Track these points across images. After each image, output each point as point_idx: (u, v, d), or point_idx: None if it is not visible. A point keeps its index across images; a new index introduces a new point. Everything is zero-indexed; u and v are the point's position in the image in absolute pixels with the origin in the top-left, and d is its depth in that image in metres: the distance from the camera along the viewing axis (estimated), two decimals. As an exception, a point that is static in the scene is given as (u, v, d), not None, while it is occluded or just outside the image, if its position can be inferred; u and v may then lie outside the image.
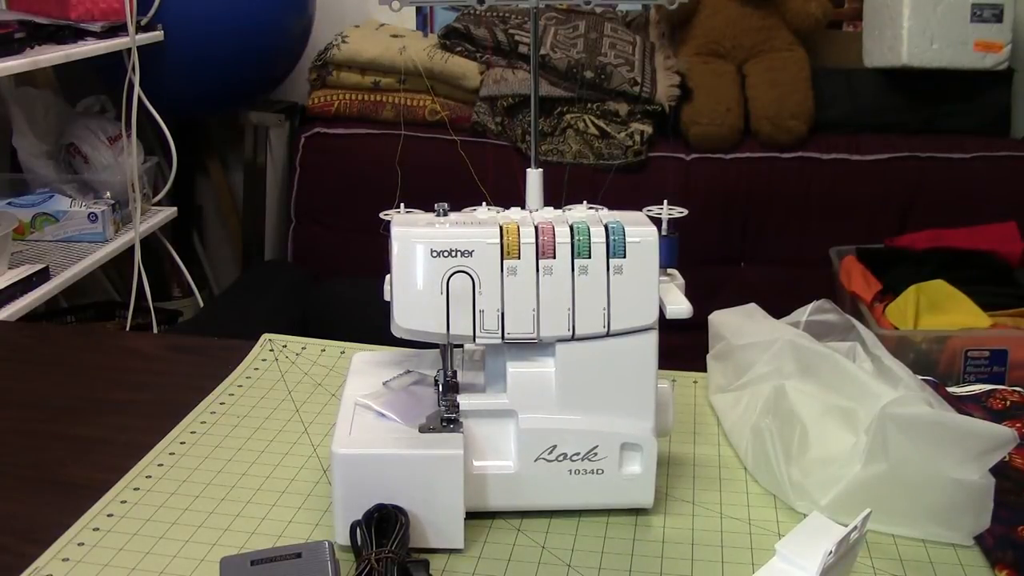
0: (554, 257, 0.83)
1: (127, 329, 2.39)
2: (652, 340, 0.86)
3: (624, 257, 0.84)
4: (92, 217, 2.17)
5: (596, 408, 0.86)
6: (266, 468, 0.99)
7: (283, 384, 1.18)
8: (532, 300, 0.83)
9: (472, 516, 0.86)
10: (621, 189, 2.41)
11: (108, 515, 0.91)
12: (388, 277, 0.85)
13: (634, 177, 2.49)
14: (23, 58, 1.87)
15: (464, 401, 0.87)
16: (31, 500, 0.94)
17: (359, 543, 0.81)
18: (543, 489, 0.87)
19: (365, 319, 1.23)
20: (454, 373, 0.88)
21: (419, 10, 2.85)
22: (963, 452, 0.83)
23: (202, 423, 1.08)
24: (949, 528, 0.87)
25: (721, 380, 1.10)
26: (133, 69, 2.21)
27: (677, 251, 0.94)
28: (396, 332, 0.85)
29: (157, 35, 2.31)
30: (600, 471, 0.87)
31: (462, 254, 0.83)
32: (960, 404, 1.06)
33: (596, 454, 0.86)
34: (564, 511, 0.90)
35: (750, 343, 1.06)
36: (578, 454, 0.86)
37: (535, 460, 0.86)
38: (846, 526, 0.77)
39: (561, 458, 0.86)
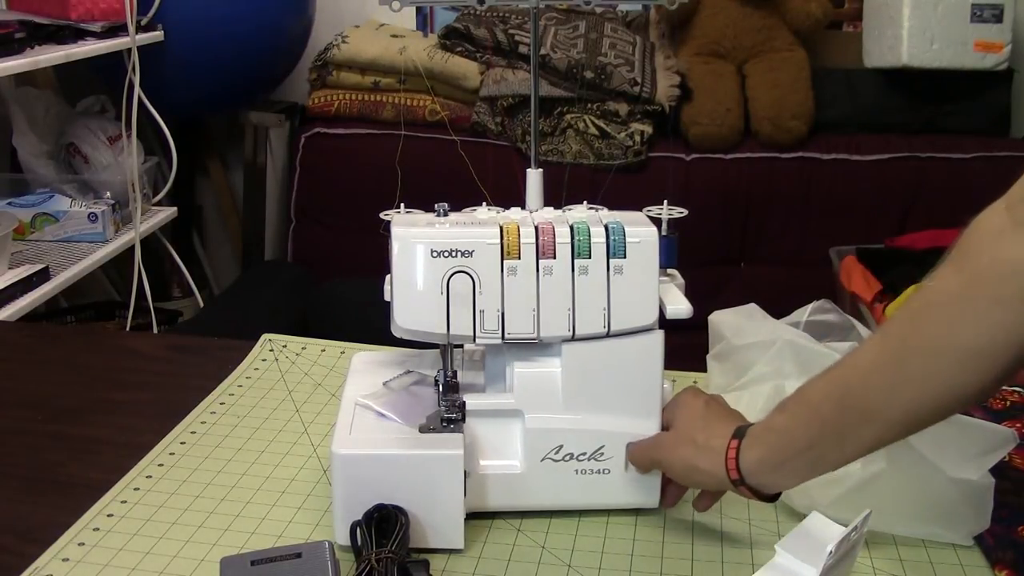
0: (554, 257, 0.83)
1: (127, 329, 2.39)
2: (658, 340, 0.86)
3: (624, 257, 0.84)
4: (92, 217, 2.16)
5: (602, 408, 0.86)
6: (266, 468, 0.99)
7: (283, 384, 1.18)
8: (532, 300, 0.83)
9: (472, 516, 0.87)
10: (621, 189, 2.40)
11: (108, 515, 0.91)
12: (388, 277, 0.85)
13: (634, 177, 2.49)
14: (23, 58, 1.87)
15: (470, 401, 0.86)
16: (31, 500, 0.94)
17: (359, 543, 0.81)
18: (549, 489, 0.87)
19: (365, 319, 1.23)
20: (454, 373, 0.88)
21: (419, 10, 2.84)
22: (963, 452, 0.83)
23: (202, 423, 1.08)
24: (949, 528, 0.87)
25: (721, 380, 1.10)
26: (133, 69, 2.21)
27: (677, 251, 0.94)
28: (396, 332, 0.85)
29: (157, 35, 2.30)
30: (606, 471, 0.87)
31: (462, 254, 0.83)
32: (960, 404, 1.06)
33: (602, 454, 0.86)
34: (564, 511, 0.90)
35: (750, 343, 1.06)
36: (584, 454, 0.86)
37: (541, 460, 0.86)
38: (846, 526, 0.77)
39: (567, 458, 0.86)
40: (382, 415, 0.89)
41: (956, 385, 0.67)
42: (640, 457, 0.87)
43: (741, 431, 0.80)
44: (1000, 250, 0.65)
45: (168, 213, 2.46)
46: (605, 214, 0.88)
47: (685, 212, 0.95)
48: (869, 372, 0.71)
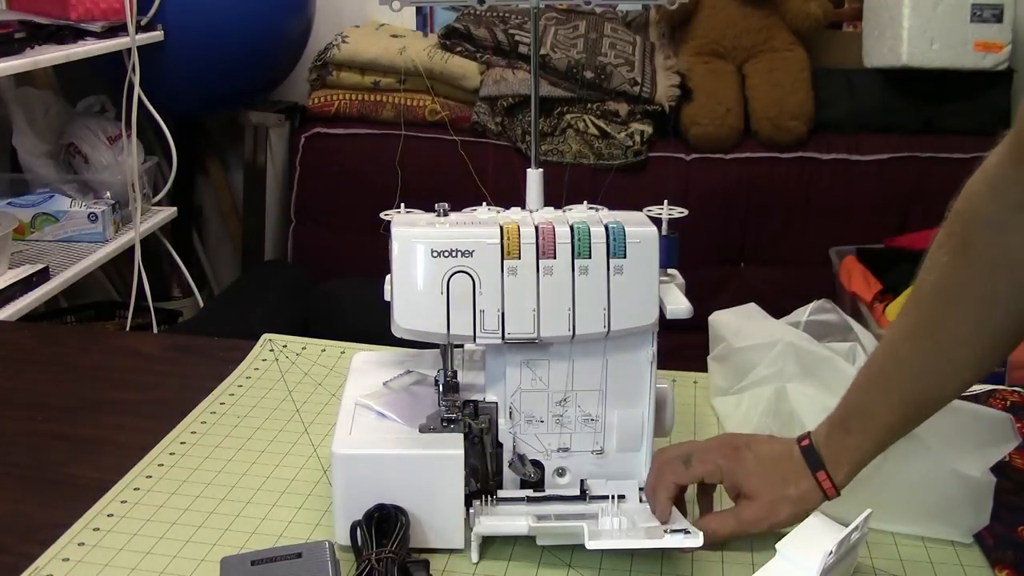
0: (554, 257, 0.83)
1: (127, 329, 2.39)
2: None
3: (624, 257, 0.84)
4: (92, 217, 2.16)
5: None
6: (266, 468, 0.99)
7: (283, 384, 1.18)
8: (532, 300, 0.83)
9: (472, 516, 0.87)
10: (621, 189, 2.41)
11: (108, 515, 0.91)
12: (388, 277, 0.85)
13: (634, 177, 2.49)
14: (23, 58, 1.87)
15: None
16: (31, 500, 0.94)
17: (359, 543, 0.81)
18: None
19: (365, 319, 1.23)
20: (454, 373, 0.88)
21: (419, 10, 2.84)
22: (965, 441, 0.84)
23: (202, 423, 1.08)
24: (949, 524, 0.87)
25: (722, 382, 1.10)
26: (133, 69, 2.21)
27: (677, 251, 0.94)
28: (396, 332, 0.85)
29: (157, 35, 2.30)
30: None
31: (462, 254, 0.83)
32: (960, 404, 1.06)
33: None
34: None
35: (751, 345, 1.06)
36: None
37: None
38: (846, 526, 0.77)
39: None
40: (382, 415, 0.89)
41: (994, 361, 0.78)
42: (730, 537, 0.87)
43: (815, 460, 0.83)
44: (1007, 241, 0.73)
45: (168, 213, 2.46)
46: (605, 214, 0.88)
47: (685, 212, 0.95)
48: (921, 375, 0.79)
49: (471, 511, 0.86)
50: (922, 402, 0.80)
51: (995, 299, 0.74)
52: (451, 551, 0.85)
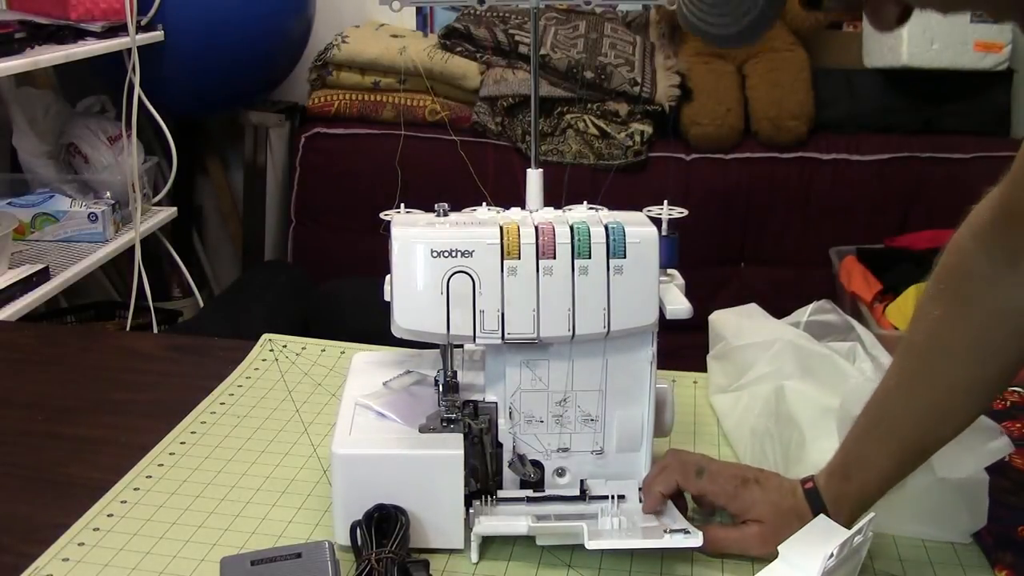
0: (554, 257, 0.83)
1: (127, 329, 2.39)
2: None
3: (624, 257, 0.84)
4: (92, 217, 2.16)
5: None
6: (266, 468, 0.99)
7: (283, 384, 1.18)
8: (532, 300, 0.83)
9: (472, 516, 0.86)
10: (621, 189, 2.40)
11: (108, 515, 0.91)
12: (388, 277, 0.85)
13: (634, 177, 2.48)
14: (23, 58, 1.87)
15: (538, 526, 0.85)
16: (31, 500, 0.94)
17: (359, 543, 0.81)
18: None
19: (365, 319, 1.23)
20: (454, 373, 0.88)
21: (419, 10, 2.84)
22: (956, 449, 0.84)
23: (202, 423, 1.08)
24: (945, 528, 0.87)
25: (722, 380, 1.10)
26: (133, 69, 2.21)
27: (677, 251, 0.94)
28: (396, 332, 0.85)
29: (157, 35, 2.30)
30: None
31: (462, 254, 0.83)
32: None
33: None
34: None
35: (750, 343, 1.06)
36: None
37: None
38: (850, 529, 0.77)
39: None
40: (382, 415, 0.89)
41: (985, 406, 0.82)
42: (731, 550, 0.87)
43: (818, 504, 0.84)
44: (999, 294, 0.77)
45: (168, 213, 2.46)
46: (605, 214, 0.88)
47: (685, 212, 0.95)
48: (916, 423, 0.82)
49: (471, 511, 0.86)
50: (918, 449, 0.82)
51: (988, 349, 0.78)
52: (451, 551, 0.85)
